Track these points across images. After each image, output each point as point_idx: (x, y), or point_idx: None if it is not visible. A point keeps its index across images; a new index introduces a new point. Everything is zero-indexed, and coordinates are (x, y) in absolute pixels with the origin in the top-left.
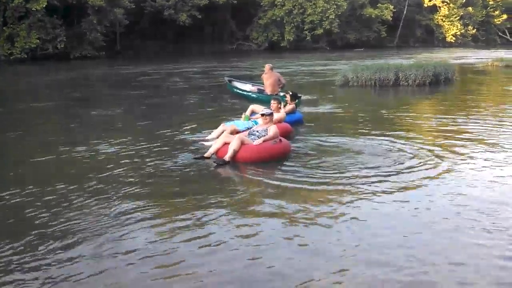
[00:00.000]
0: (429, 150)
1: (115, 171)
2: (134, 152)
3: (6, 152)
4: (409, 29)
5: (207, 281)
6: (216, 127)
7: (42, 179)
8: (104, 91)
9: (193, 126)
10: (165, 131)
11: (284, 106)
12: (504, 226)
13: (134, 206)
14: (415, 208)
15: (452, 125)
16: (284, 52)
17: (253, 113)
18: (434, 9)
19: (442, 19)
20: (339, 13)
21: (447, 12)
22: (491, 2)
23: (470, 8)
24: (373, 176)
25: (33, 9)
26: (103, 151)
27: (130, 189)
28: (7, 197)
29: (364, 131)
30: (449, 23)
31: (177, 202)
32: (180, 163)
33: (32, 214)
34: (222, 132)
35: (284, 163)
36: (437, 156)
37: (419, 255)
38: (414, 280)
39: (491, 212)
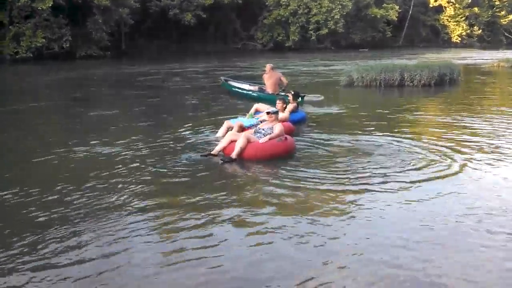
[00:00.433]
0: (437, 151)
1: (121, 169)
2: (139, 151)
3: (7, 152)
4: (415, 29)
5: (211, 279)
6: (220, 126)
7: (45, 179)
8: (107, 91)
9: (198, 125)
10: (170, 130)
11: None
12: None
13: (140, 204)
14: (422, 208)
15: (459, 125)
16: (288, 52)
17: (257, 111)
18: (439, 9)
19: (447, 19)
20: (344, 13)
21: (452, 13)
22: (497, 3)
23: (476, 9)
24: (379, 175)
25: (39, 8)
26: (107, 151)
27: (136, 187)
28: (8, 197)
29: (370, 131)
30: (454, 23)
31: (184, 198)
32: (188, 160)
33: (34, 213)
34: (227, 129)
35: (289, 161)
36: (445, 156)
37: (425, 256)
38: (422, 280)
39: (500, 213)
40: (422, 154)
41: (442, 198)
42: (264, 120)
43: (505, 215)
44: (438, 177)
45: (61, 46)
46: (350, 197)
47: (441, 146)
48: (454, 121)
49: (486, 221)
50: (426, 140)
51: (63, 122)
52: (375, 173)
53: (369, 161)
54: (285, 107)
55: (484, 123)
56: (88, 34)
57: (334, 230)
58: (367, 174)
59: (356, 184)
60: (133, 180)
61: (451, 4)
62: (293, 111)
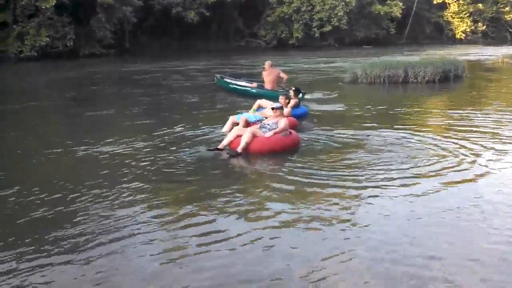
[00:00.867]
0: (444, 146)
1: (126, 165)
2: (144, 147)
3: (8, 151)
4: (418, 26)
5: (215, 274)
6: (224, 122)
7: (46, 178)
8: (110, 89)
9: (201, 121)
10: (175, 127)
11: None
12: None
13: (145, 199)
14: (430, 205)
15: (466, 121)
16: (292, 50)
17: (259, 107)
18: (443, 5)
19: (451, 16)
20: (348, 10)
21: (456, 9)
22: None
23: (480, 5)
24: (386, 170)
25: (42, 7)
26: (110, 148)
27: (141, 182)
28: (9, 196)
29: (375, 127)
30: (458, 19)
31: (190, 192)
32: (195, 155)
33: (35, 212)
34: (232, 124)
35: (294, 155)
36: (453, 152)
37: (433, 253)
38: (428, 277)
39: (509, 209)
40: (429, 149)
41: (450, 194)
42: (266, 116)
43: None
44: (446, 173)
45: (65, 45)
46: (356, 192)
47: (448, 141)
48: (460, 117)
49: (495, 216)
50: (433, 136)
51: (65, 121)
52: (382, 169)
53: (374, 157)
54: (288, 103)
55: (490, 118)
56: (91, 33)
57: (339, 225)
58: (373, 170)
59: (362, 179)
60: (138, 176)
61: (455, 0)
62: (295, 107)
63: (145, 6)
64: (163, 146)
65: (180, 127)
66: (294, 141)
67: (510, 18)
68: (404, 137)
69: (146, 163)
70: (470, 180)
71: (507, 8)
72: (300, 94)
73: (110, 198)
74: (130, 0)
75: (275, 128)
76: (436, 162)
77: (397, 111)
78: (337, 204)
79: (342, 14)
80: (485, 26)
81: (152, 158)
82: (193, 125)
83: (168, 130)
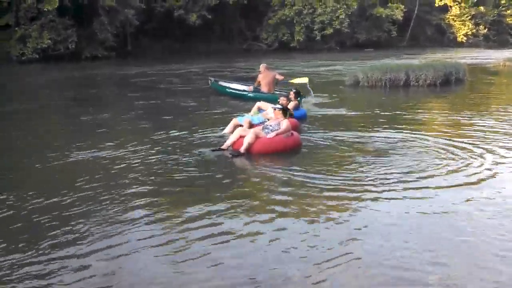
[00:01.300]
0: (448, 150)
1: (127, 166)
2: (145, 149)
3: (7, 153)
4: (420, 29)
5: (216, 276)
6: (225, 124)
7: (46, 179)
8: (110, 92)
9: (203, 123)
10: (177, 129)
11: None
12: None
13: (148, 199)
14: (433, 209)
15: (469, 124)
16: (293, 52)
17: (259, 109)
18: (445, 8)
19: (453, 19)
20: (349, 12)
21: (458, 12)
22: (503, 1)
23: (481, 8)
24: (388, 174)
25: (45, 9)
26: (111, 149)
27: (144, 183)
28: (10, 198)
29: (377, 130)
30: (460, 22)
31: (194, 191)
32: (199, 155)
33: (37, 213)
34: (234, 126)
35: (296, 156)
36: (457, 156)
37: (437, 259)
38: (433, 283)
39: None
40: (433, 153)
41: (455, 197)
42: (269, 118)
43: None
44: (450, 176)
45: (67, 47)
46: (358, 194)
47: (452, 145)
48: (463, 120)
49: (502, 220)
50: (436, 139)
51: (65, 123)
52: (385, 172)
53: (377, 159)
54: (288, 104)
55: (492, 121)
56: (93, 35)
57: (340, 228)
58: (376, 172)
59: (364, 181)
60: (140, 177)
61: (457, 3)
62: (294, 109)
63: (147, 9)
64: (165, 147)
65: (182, 129)
66: (296, 142)
67: (511, 21)
68: (407, 140)
69: (148, 164)
70: (474, 183)
71: (508, 11)
72: (300, 97)
73: (112, 200)
74: (132, 2)
75: (277, 129)
76: (440, 166)
77: (399, 114)
78: (339, 206)
79: (343, 17)
80: (486, 29)
81: (155, 159)
82: (194, 128)
83: (170, 132)
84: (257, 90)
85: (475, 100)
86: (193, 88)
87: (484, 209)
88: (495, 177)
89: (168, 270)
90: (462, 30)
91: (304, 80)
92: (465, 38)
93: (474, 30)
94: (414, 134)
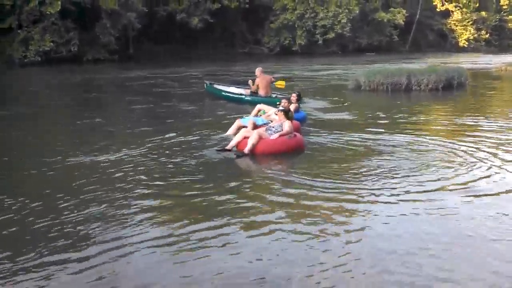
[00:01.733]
0: (453, 154)
1: (130, 168)
2: (149, 151)
3: (9, 157)
4: (422, 34)
5: (218, 280)
6: (229, 125)
7: (49, 182)
8: (110, 95)
9: (205, 125)
10: (180, 131)
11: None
12: None
13: (153, 201)
14: (438, 211)
15: (473, 129)
16: (295, 56)
17: (259, 111)
18: (447, 13)
19: (455, 24)
20: (351, 17)
21: (460, 17)
22: (504, 6)
23: (483, 13)
24: (392, 178)
25: (47, 12)
26: (116, 152)
27: (149, 184)
28: (12, 201)
29: (380, 133)
30: (462, 27)
31: (198, 191)
32: (203, 155)
33: (42, 216)
34: (237, 127)
35: (300, 158)
36: (461, 160)
37: (444, 264)
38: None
39: None
40: (436, 156)
41: (459, 201)
42: (272, 120)
43: None
44: (454, 180)
45: (69, 50)
46: (361, 197)
47: (455, 148)
48: (466, 124)
49: (507, 225)
50: (440, 143)
51: (65, 126)
52: (388, 175)
53: (380, 162)
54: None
55: (495, 126)
56: (95, 38)
57: (343, 231)
58: (379, 175)
59: (367, 184)
60: (144, 178)
61: (459, 8)
62: (295, 111)
63: (150, 13)
64: (168, 149)
65: (184, 131)
66: (299, 143)
67: None
68: (410, 143)
69: (151, 165)
70: (478, 187)
71: (510, 16)
72: (299, 100)
73: (115, 201)
74: (135, 6)
75: (280, 131)
76: (443, 169)
77: (401, 118)
78: (341, 208)
79: (345, 21)
80: (488, 34)
81: (157, 161)
82: (197, 130)
83: (172, 135)
84: (254, 93)
85: (477, 104)
86: (193, 92)
87: (487, 212)
88: (498, 180)
89: (170, 271)
90: (464, 35)
91: (281, 84)
92: (466, 43)
93: (475, 35)
94: (417, 137)
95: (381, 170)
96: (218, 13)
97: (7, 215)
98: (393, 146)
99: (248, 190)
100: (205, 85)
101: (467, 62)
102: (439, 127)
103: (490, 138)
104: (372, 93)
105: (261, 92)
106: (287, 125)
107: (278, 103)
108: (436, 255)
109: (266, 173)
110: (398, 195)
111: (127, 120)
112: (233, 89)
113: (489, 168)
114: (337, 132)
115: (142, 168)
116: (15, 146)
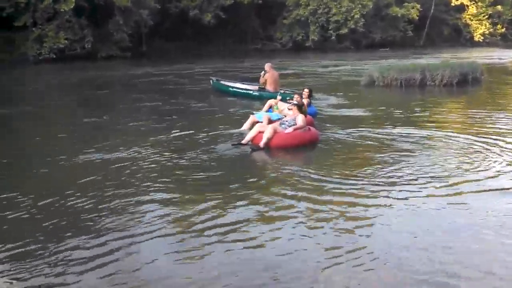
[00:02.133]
0: (470, 150)
1: (146, 164)
2: (166, 146)
3: (18, 156)
4: (436, 28)
5: (229, 275)
6: (237, 121)
7: (63, 178)
8: (123, 92)
9: (219, 121)
10: (195, 127)
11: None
12: None
13: (171, 194)
14: (454, 207)
15: (490, 125)
16: (308, 52)
17: (270, 107)
18: (461, 8)
19: (470, 18)
20: (365, 12)
21: (475, 11)
22: None
23: (499, 7)
24: (407, 174)
25: (61, 10)
26: (129, 150)
27: (164, 179)
28: (23, 199)
29: (395, 128)
30: (477, 22)
31: (214, 185)
32: (219, 149)
33: (56, 212)
34: (252, 123)
35: (315, 152)
36: (479, 156)
37: (455, 271)
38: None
39: None
40: (454, 152)
41: (476, 197)
42: (285, 114)
43: None
44: (471, 176)
45: (83, 47)
46: (373, 191)
47: (473, 144)
48: (483, 119)
49: None
50: (458, 138)
51: (76, 124)
52: (403, 170)
53: (395, 157)
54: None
55: None
56: (109, 35)
57: (356, 228)
58: (394, 170)
59: (381, 177)
60: (159, 173)
61: (474, 2)
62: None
63: (162, 9)
64: (182, 145)
65: (197, 127)
66: (313, 136)
67: None
68: (426, 138)
69: (165, 160)
70: (498, 185)
71: None
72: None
73: (131, 197)
74: (147, 3)
75: (294, 124)
76: (460, 165)
77: (416, 113)
78: (354, 203)
79: (358, 16)
80: (504, 29)
81: (172, 155)
82: (209, 126)
83: (185, 131)
84: (262, 89)
85: (493, 99)
86: (203, 88)
87: (503, 207)
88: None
89: (182, 267)
90: (479, 30)
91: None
92: (482, 38)
93: (491, 30)
94: (432, 132)
95: (395, 164)
96: (231, 9)
97: (18, 211)
98: (408, 140)
99: (264, 184)
100: (211, 81)
101: (482, 57)
102: (454, 122)
103: (506, 133)
104: (385, 88)
105: (269, 87)
106: (300, 119)
107: (288, 98)
108: (451, 250)
109: (281, 167)
110: (412, 190)
111: (139, 117)
112: (241, 85)
113: (506, 163)
114: (350, 127)
115: (155, 164)
116: (22, 144)
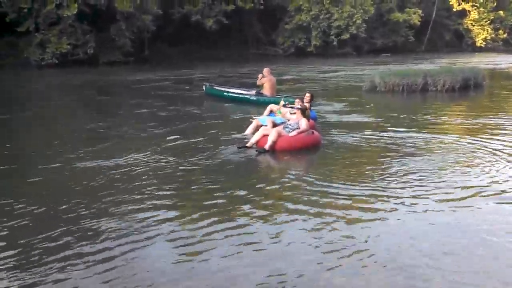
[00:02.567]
0: (474, 156)
1: (152, 167)
2: (170, 150)
3: (21, 160)
4: (438, 34)
5: (232, 278)
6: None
7: (69, 181)
8: (124, 98)
9: (222, 125)
10: (200, 132)
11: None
12: None
13: (178, 197)
14: (456, 212)
15: (493, 130)
16: (310, 57)
17: (271, 112)
18: (463, 13)
19: (471, 24)
20: (366, 17)
21: (477, 16)
22: None
23: (501, 12)
24: (412, 179)
25: (64, 15)
26: (132, 155)
27: (172, 181)
28: (24, 203)
29: (398, 133)
30: (479, 27)
31: (220, 187)
32: (224, 152)
33: (62, 214)
34: (256, 127)
35: (317, 155)
36: (483, 161)
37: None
38: None
39: None
40: (455, 157)
41: (480, 202)
42: (288, 119)
43: None
44: (475, 182)
45: (85, 52)
46: (377, 195)
47: (476, 150)
48: (484, 125)
49: None
50: (459, 143)
51: (78, 129)
52: (405, 174)
53: (397, 160)
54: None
55: None
56: (111, 40)
57: (357, 231)
58: (396, 174)
59: (382, 183)
60: (163, 176)
61: (475, 8)
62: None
63: (165, 14)
64: (185, 149)
65: (198, 132)
66: (316, 140)
67: None
68: (428, 143)
69: (168, 163)
70: (502, 190)
71: None
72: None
73: (135, 201)
74: (150, 8)
75: (298, 128)
76: (464, 170)
77: (418, 118)
78: (358, 208)
79: (360, 21)
80: (506, 34)
81: (175, 160)
82: (211, 130)
83: (187, 136)
84: (259, 94)
85: (495, 104)
86: (201, 94)
87: (509, 213)
88: None
89: (186, 270)
90: (481, 35)
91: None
92: (484, 43)
93: (493, 35)
94: (435, 137)
95: (397, 168)
96: (233, 15)
97: (18, 217)
98: (410, 145)
99: (268, 188)
100: (204, 87)
101: (484, 62)
102: (457, 128)
103: (509, 138)
104: (387, 94)
105: (267, 92)
106: (304, 122)
107: (287, 103)
108: (455, 256)
109: (286, 171)
110: (414, 195)
111: (140, 122)
112: (236, 90)
113: (509, 168)
114: (353, 131)
115: (159, 168)
116: (22, 148)
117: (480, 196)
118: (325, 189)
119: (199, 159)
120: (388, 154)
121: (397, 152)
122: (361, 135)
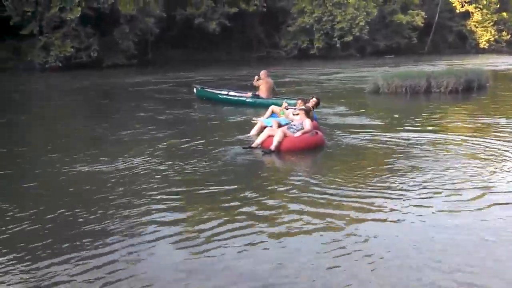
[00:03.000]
0: (479, 158)
1: (158, 169)
2: (174, 152)
3: (22, 164)
4: (441, 36)
5: (234, 279)
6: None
7: (72, 184)
8: (126, 101)
9: (220, 130)
10: (204, 133)
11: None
12: None
13: (182, 197)
14: (462, 213)
15: (497, 131)
16: (313, 60)
17: (273, 113)
18: (466, 15)
19: (475, 25)
20: (369, 19)
21: (480, 18)
22: None
23: (504, 14)
24: (414, 181)
25: (67, 18)
26: (134, 157)
27: (176, 182)
28: (28, 206)
29: (403, 134)
30: (482, 29)
31: (226, 189)
32: (229, 153)
33: (64, 217)
34: (260, 128)
35: (322, 155)
36: (488, 164)
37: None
38: None
39: None
40: (460, 158)
41: (486, 203)
42: (292, 119)
43: None
44: (480, 183)
45: (89, 55)
46: (377, 197)
47: (480, 151)
48: (488, 127)
49: None
50: (463, 145)
51: (79, 132)
52: (409, 176)
53: (402, 161)
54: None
55: None
56: (114, 43)
57: (366, 227)
58: (399, 177)
59: (385, 184)
60: (169, 176)
61: (479, 9)
62: None
63: (168, 17)
64: (190, 151)
65: (201, 134)
66: (320, 140)
67: None
68: (431, 144)
69: (174, 165)
70: (508, 191)
71: None
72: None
73: (139, 203)
74: (153, 11)
75: (302, 129)
76: (469, 171)
77: (422, 119)
78: (364, 207)
79: (363, 24)
80: (509, 35)
81: (180, 161)
82: (214, 132)
83: (190, 138)
84: (255, 96)
85: (498, 106)
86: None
87: None
88: None
89: (190, 271)
90: (484, 37)
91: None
92: (487, 45)
93: (496, 36)
94: (439, 138)
95: (401, 170)
96: (236, 17)
97: (19, 221)
98: (414, 147)
99: (273, 187)
100: (194, 89)
101: (487, 63)
102: (461, 130)
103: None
104: (390, 96)
105: (263, 94)
106: (308, 123)
107: (287, 104)
108: (458, 257)
109: (291, 172)
110: (417, 197)
111: (142, 125)
112: (231, 93)
113: None
114: (356, 133)
115: (164, 170)
116: (22, 151)
117: (485, 198)
118: (330, 190)
119: (205, 161)
120: (392, 155)
121: (401, 153)
122: (365, 136)
